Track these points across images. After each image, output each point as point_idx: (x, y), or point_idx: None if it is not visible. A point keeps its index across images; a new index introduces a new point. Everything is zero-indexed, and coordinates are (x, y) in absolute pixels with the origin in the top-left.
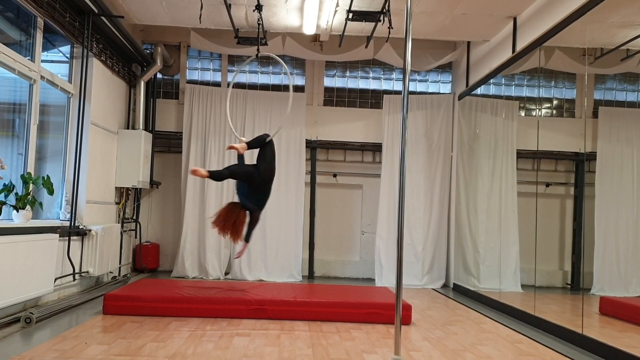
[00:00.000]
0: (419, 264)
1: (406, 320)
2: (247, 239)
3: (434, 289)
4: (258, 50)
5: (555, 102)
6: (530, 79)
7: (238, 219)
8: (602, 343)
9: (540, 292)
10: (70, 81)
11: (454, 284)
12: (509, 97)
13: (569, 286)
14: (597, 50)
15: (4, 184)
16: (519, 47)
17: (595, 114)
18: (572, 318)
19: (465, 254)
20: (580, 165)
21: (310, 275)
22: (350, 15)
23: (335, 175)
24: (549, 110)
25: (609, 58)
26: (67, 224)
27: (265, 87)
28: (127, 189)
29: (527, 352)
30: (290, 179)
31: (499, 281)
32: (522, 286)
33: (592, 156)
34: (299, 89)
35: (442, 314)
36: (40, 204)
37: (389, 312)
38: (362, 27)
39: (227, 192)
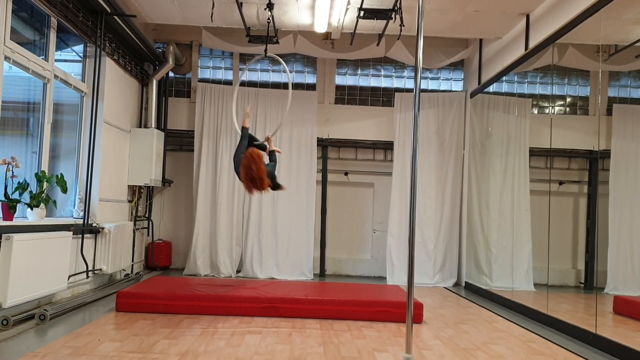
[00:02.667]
0: (431, 263)
1: (418, 318)
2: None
3: (445, 288)
4: (266, 50)
5: (568, 99)
6: (543, 77)
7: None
8: (615, 342)
9: (553, 291)
10: (83, 80)
11: (466, 282)
12: (521, 95)
13: (582, 285)
14: (611, 47)
15: (19, 182)
16: (531, 44)
17: (609, 112)
18: (585, 317)
19: (477, 252)
20: (594, 163)
21: (322, 273)
22: (362, 13)
23: (346, 174)
24: (562, 108)
25: (623, 55)
26: (81, 221)
27: (276, 86)
28: (140, 187)
29: (539, 352)
30: (301, 177)
31: (511, 280)
32: (535, 285)
33: (606, 154)
34: (310, 87)
35: (454, 312)
36: (54, 202)
37: (400, 310)
38: (374, 25)
39: (239, 190)
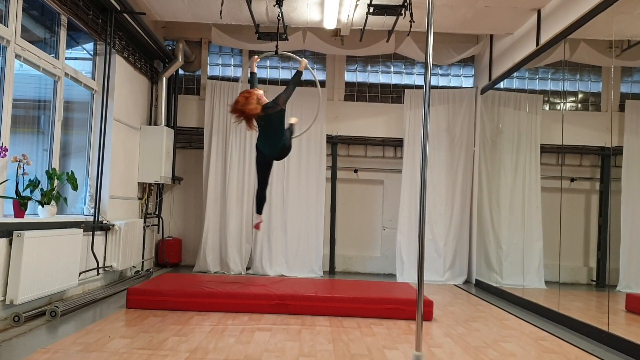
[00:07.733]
0: (441, 260)
1: (427, 316)
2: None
3: (455, 285)
4: (277, 47)
5: (580, 95)
6: (555, 72)
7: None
8: (628, 341)
9: (564, 288)
10: (93, 78)
11: (476, 280)
12: (532, 91)
13: (594, 283)
14: (624, 42)
15: (30, 180)
16: (543, 40)
17: (622, 108)
18: (597, 315)
19: (488, 249)
20: (606, 159)
21: (331, 270)
22: (371, 9)
23: (356, 171)
24: (573, 104)
25: (636, 50)
26: (91, 219)
27: (285, 83)
28: (150, 184)
29: (550, 350)
30: (311, 175)
31: (522, 277)
32: (546, 282)
33: (618, 150)
34: (319, 83)
35: (464, 310)
36: (65, 199)
37: (410, 307)
38: (383, 21)
39: (249, 187)
